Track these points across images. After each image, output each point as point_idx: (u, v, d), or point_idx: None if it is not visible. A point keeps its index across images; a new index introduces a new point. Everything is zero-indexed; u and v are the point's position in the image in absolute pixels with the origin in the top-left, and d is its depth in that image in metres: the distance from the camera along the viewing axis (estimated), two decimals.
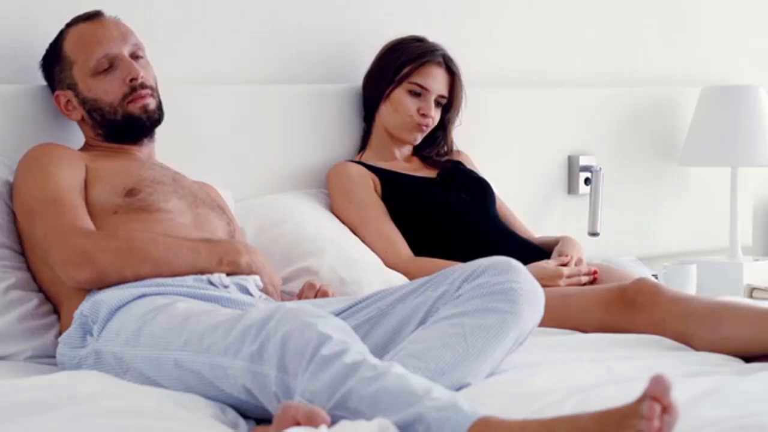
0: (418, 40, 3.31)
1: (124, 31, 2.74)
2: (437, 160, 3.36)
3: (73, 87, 2.72)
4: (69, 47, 2.72)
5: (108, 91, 2.69)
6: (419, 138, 3.31)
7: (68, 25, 2.75)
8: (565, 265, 3.08)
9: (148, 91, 2.71)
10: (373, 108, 3.31)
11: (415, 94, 3.26)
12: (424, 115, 3.25)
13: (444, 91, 3.29)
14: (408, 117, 3.25)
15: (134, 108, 2.70)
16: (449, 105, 3.32)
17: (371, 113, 3.33)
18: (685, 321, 2.57)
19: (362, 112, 3.36)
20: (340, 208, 3.19)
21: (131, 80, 2.69)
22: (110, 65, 2.70)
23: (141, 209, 2.56)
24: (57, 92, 2.75)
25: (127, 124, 2.71)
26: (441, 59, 3.28)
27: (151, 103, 2.72)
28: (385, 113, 3.29)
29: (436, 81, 3.27)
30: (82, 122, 2.76)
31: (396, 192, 3.21)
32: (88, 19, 2.74)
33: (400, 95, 3.26)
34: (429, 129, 3.30)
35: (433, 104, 3.26)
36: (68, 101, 2.74)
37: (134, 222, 2.53)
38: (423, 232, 3.17)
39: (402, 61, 3.26)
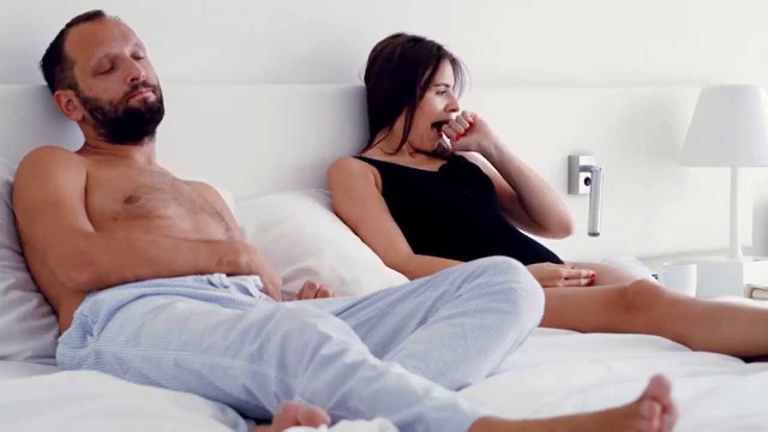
0: (417, 40, 3.33)
1: (125, 31, 2.74)
2: (443, 154, 3.37)
3: (73, 86, 2.72)
4: (70, 47, 2.72)
5: (109, 90, 2.69)
6: (440, 144, 3.37)
7: (68, 25, 2.75)
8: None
9: (149, 88, 2.72)
10: (396, 116, 3.31)
11: (440, 93, 3.32)
12: (453, 110, 3.32)
13: (452, 82, 3.36)
14: (437, 116, 3.31)
15: (134, 102, 2.70)
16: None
17: (389, 118, 3.32)
18: (684, 323, 2.57)
19: (368, 120, 3.36)
20: (340, 205, 3.20)
21: (132, 80, 2.69)
22: (111, 65, 2.70)
23: (141, 216, 2.56)
24: (58, 92, 2.75)
25: (128, 120, 2.70)
26: (445, 52, 3.34)
27: (151, 96, 2.72)
28: (420, 120, 3.31)
29: (449, 75, 3.34)
30: (83, 122, 2.76)
31: (397, 185, 3.21)
32: (89, 19, 2.74)
33: (429, 98, 3.31)
34: None
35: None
36: (69, 101, 2.74)
37: (134, 228, 2.53)
38: (424, 227, 3.17)
39: (423, 66, 3.30)
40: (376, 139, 3.34)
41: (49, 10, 2.87)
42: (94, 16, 2.75)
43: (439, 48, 3.33)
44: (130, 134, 2.73)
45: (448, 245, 3.10)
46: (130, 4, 2.94)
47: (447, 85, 3.32)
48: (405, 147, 3.34)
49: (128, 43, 2.73)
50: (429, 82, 3.29)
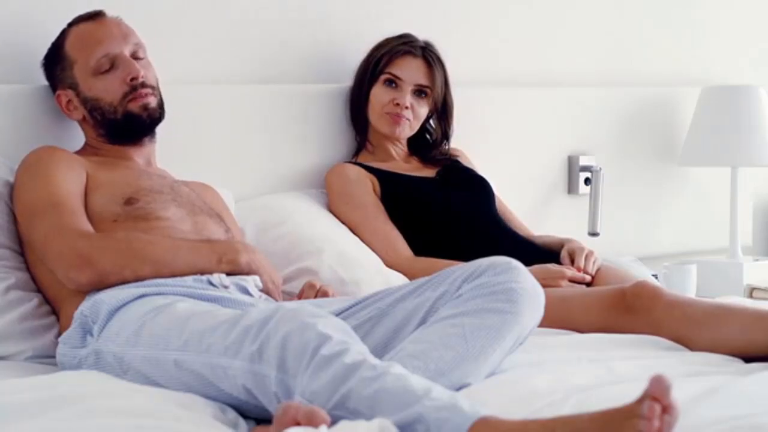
0: (401, 37, 3.30)
1: (126, 31, 2.75)
2: (437, 158, 3.35)
3: (74, 86, 2.72)
4: (70, 47, 2.72)
5: (108, 90, 2.70)
6: (399, 131, 3.26)
7: (70, 25, 2.75)
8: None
9: (148, 90, 2.71)
10: (362, 109, 3.30)
11: (390, 86, 3.25)
12: (397, 105, 3.23)
13: (423, 81, 3.26)
14: (381, 108, 3.24)
15: (134, 106, 2.70)
16: (432, 97, 3.28)
17: (362, 115, 3.31)
18: (683, 325, 2.57)
19: (349, 115, 3.34)
20: (338, 210, 3.19)
21: (132, 79, 2.69)
22: (111, 65, 2.70)
23: (140, 218, 2.56)
24: (58, 92, 2.75)
25: (127, 123, 2.70)
26: (418, 50, 3.26)
27: (152, 101, 2.72)
28: (370, 112, 3.28)
29: (410, 71, 3.25)
30: (83, 122, 2.77)
31: (395, 192, 3.21)
32: (90, 18, 2.74)
33: (376, 89, 3.26)
34: (410, 121, 3.26)
35: (408, 94, 3.24)
36: (69, 101, 2.74)
37: (134, 230, 2.52)
38: (423, 232, 3.17)
39: (379, 57, 3.26)
40: (366, 134, 3.32)
41: (49, 9, 2.87)
42: (95, 15, 2.75)
43: (410, 44, 3.26)
44: (128, 136, 2.73)
45: (450, 250, 3.09)
46: (130, 4, 2.94)
47: (399, 78, 3.23)
48: (394, 150, 3.32)
49: (128, 43, 2.73)
50: (380, 72, 3.24)
